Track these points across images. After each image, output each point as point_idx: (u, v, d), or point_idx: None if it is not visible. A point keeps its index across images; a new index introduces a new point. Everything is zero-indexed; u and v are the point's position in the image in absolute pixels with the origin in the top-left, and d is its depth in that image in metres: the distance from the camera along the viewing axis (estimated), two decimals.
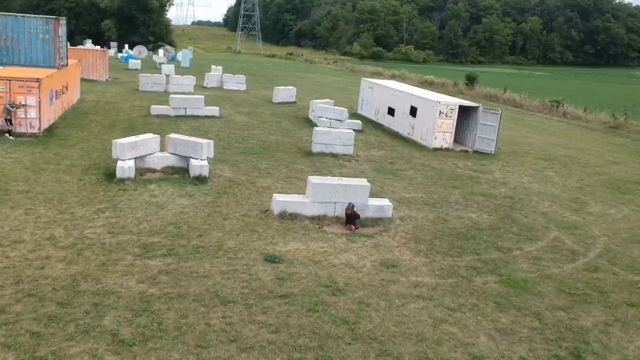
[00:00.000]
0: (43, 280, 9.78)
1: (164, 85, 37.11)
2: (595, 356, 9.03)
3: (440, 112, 24.90)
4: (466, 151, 25.22)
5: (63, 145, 19.99)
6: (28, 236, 11.63)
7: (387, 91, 31.10)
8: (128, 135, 18.33)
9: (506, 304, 10.50)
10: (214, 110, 28.55)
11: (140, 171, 16.54)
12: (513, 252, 13.29)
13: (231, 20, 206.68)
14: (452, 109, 25.09)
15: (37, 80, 20.48)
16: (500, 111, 25.67)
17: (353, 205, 13.84)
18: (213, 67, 52.85)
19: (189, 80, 37.88)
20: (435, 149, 24.88)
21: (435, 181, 19.46)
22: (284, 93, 37.11)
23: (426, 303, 10.23)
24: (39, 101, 20.48)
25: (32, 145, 19.34)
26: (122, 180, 15.78)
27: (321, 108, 28.43)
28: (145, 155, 16.95)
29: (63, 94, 25.36)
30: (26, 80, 20.35)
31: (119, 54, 74.26)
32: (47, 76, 21.71)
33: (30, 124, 20.60)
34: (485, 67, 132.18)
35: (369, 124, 30.40)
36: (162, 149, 17.67)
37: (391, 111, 29.63)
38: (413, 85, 42.79)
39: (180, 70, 52.71)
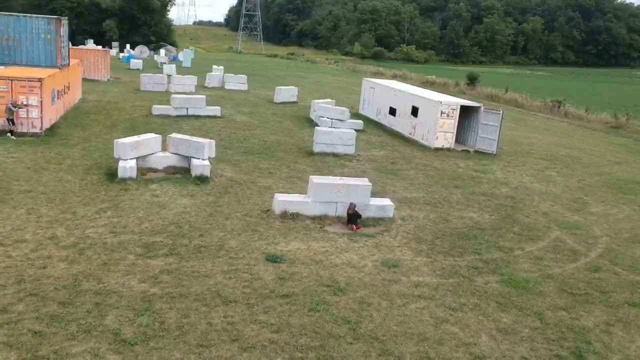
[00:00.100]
0: (45, 279, 9.80)
1: (165, 85, 37.13)
2: (596, 356, 9.03)
3: (442, 112, 24.90)
4: (467, 151, 25.22)
5: (65, 145, 20.02)
6: (30, 236, 11.65)
7: (388, 91, 31.10)
8: (130, 135, 18.34)
9: (507, 304, 10.49)
10: (215, 110, 28.57)
11: (142, 171, 16.54)
12: (514, 252, 13.29)
13: (232, 20, 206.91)
14: (454, 109, 25.10)
15: (39, 80, 20.51)
16: (501, 111, 25.67)
17: (354, 205, 13.85)
18: (214, 67, 52.93)
19: (191, 80, 37.95)
20: (437, 149, 24.87)
21: (436, 181, 19.45)
22: (286, 93, 37.10)
23: (427, 303, 10.23)
24: (41, 101, 20.51)
25: (33, 145, 19.37)
26: (124, 180, 15.79)
27: (322, 108, 28.44)
28: (146, 155, 16.96)
29: (65, 93, 25.39)
30: (28, 80, 20.38)
31: (121, 54, 74.26)
32: (49, 76, 21.73)
33: (32, 123, 20.63)
34: (486, 67, 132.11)
35: (370, 124, 30.40)
36: (163, 149, 17.68)
37: (392, 111, 29.64)
38: (414, 85, 42.79)
39: (181, 70, 52.72)
